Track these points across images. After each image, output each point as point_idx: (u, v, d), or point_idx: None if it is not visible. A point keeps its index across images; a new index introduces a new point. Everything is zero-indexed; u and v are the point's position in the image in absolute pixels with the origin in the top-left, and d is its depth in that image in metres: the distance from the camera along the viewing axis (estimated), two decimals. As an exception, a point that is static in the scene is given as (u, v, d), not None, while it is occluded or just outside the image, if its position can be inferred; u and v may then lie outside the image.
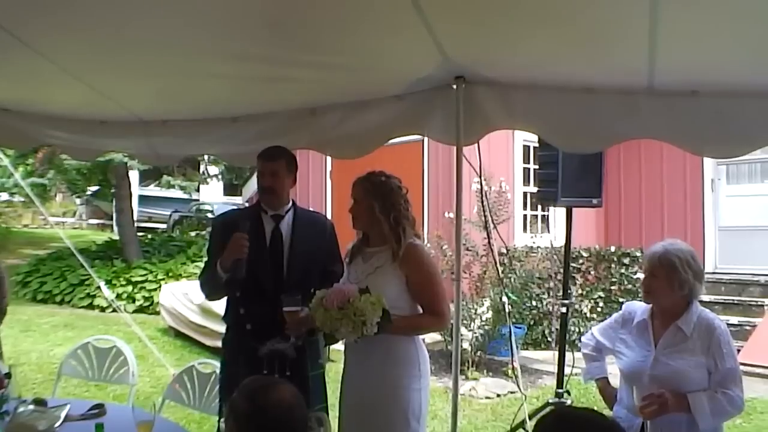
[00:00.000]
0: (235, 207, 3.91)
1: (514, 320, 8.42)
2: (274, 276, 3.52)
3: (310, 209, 4.10)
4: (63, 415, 3.24)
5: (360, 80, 3.64)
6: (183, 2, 2.77)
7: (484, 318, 8.41)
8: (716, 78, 3.00)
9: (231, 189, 24.31)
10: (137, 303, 11.51)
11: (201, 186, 21.43)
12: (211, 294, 3.73)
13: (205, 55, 3.29)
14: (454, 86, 3.46)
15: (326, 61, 3.32)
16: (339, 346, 3.51)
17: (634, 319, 3.19)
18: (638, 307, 3.24)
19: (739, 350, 7.34)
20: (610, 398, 3.35)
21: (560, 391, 4.77)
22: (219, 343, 3.72)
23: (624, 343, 3.19)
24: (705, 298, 9.20)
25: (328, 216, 10.82)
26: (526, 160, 10.84)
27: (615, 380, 3.40)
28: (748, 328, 8.81)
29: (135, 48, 3.23)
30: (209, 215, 19.89)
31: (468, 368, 7.84)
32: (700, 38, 2.67)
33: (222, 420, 2.10)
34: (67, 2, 2.80)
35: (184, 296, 9.15)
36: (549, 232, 10.56)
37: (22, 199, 17.30)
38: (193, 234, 17.20)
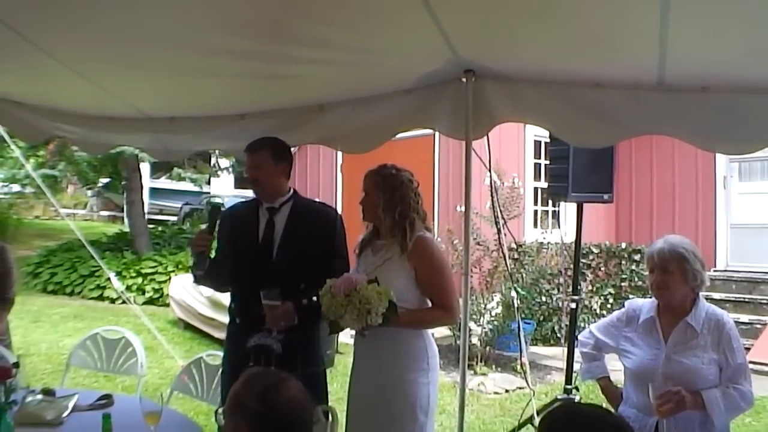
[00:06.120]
0: (243, 199, 3.89)
1: (523, 316, 8.41)
2: (261, 269, 3.47)
3: (317, 200, 4.05)
4: (71, 405, 3.27)
5: (368, 76, 3.63)
6: (189, 1, 2.77)
7: (493, 313, 8.40)
8: (727, 74, 2.96)
9: (242, 181, 24.31)
10: (147, 295, 11.57)
11: (212, 178, 21.46)
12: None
13: (212, 53, 3.28)
14: (464, 80, 3.44)
15: (334, 58, 3.30)
16: (349, 339, 3.50)
17: (639, 316, 3.15)
18: (643, 305, 3.20)
19: (749, 348, 7.32)
20: (615, 398, 3.30)
21: (569, 387, 4.74)
22: (227, 335, 3.74)
23: (630, 341, 3.15)
24: (716, 295, 9.17)
25: (339, 209, 10.84)
26: (537, 155, 10.78)
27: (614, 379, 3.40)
28: (759, 326, 8.75)
29: (142, 48, 3.25)
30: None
31: (477, 363, 7.84)
32: (711, 34, 2.64)
33: (221, 410, 2.09)
34: (76, 7, 2.83)
35: (193, 288, 9.14)
36: (559, 227, 10.49)
37: (34, 191, 17.29)
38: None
